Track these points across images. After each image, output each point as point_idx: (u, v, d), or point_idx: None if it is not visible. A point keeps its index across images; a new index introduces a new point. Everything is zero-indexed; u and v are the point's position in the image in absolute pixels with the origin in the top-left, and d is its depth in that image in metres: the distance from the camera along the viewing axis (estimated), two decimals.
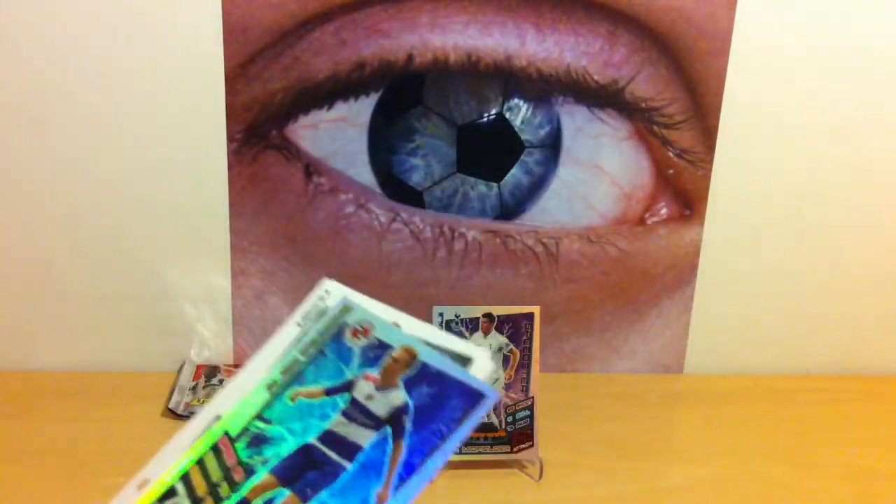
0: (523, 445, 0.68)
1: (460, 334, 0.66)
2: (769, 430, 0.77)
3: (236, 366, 0.80)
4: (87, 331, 0.81)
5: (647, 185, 0.79)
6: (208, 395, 0.75)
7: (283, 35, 0.72)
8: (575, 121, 0.77)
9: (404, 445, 0.32)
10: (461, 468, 0.68)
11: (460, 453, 0.67)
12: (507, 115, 0.77)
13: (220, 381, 0.78)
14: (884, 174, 0.82)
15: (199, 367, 0.80)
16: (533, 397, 0.68)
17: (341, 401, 0.34)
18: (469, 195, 0.79)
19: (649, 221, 0.80)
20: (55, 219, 0.77)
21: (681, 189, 0.80)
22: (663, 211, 0.80)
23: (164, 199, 0.77)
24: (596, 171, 0.78)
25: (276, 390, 0.34)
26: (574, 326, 0.83)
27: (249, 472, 0.33)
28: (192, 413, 0.73)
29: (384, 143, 0.77)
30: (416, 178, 0.78)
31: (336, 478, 0.32)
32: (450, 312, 0.66)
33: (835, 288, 0.86)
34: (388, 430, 0.33)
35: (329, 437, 0.33)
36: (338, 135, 0.76)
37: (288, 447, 0.32)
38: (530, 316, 0.67)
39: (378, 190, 0.77)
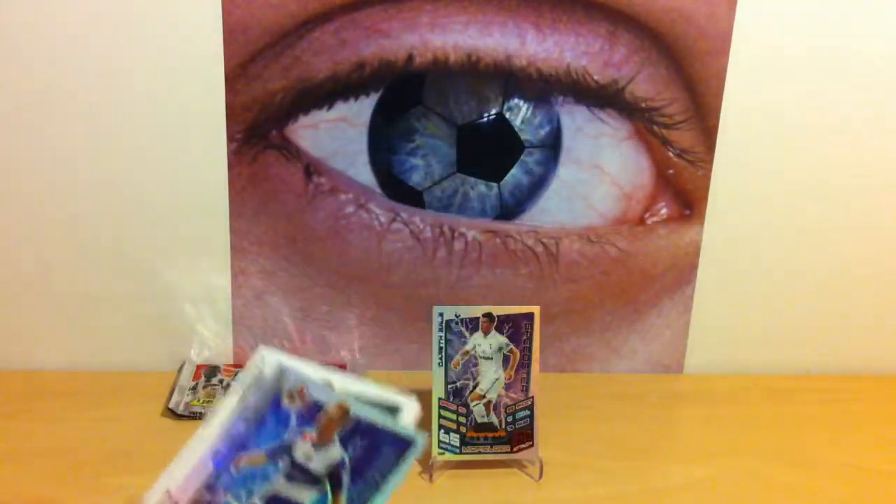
0: (523, 445, 0.68)
1: (460, 334, 0.67)
2: (769, 430, 0.77)
3: (236, 366, 0.80)
4: (87, 331, 0.81)
5: (647, 185, 0.79)
6: (208, 395, 0.75)
7: (283, 35, 0.72)
8: (575, 121, 0.77)
9: (344, 499, 0.35)
10: (461, 468, 0.68)
11: (460, 453, 0.67)
12: (507, 115, 0.77)
13: (220, 381, 0.78)
14: (884, 174, 0.82)
15: (199, 367, 0.80)
16: (533, 397, 0.68)
17: (282, 463, 0.36)
18: (469, 195, 0.79)
19: (649, 221, 0.80)
20: (55, 219, 0.77)
21: (681, 189, 0.80)
22: (663, 211, 0.80)
23: (164, 199, 0.77)
24: (596, 171, 0.78)
25: (220, 459, 0.36)
26: (574, 326, 0.83)
27: None
28: (192, 413, 0.73)
29: (384, 143, 0.77)
30: (416, 178, 0.78)
31: None
32: (450, 312, 0.67)
33: (835, 288, 0.86)
34: (328, 485, 0.35)
35: (274, 499, 0.35)
36: (338, 135, 0.76)
37: None
38: (530, 316, 0.67)
39: (378, 190, 0.77)
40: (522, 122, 0.77)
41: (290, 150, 0.75)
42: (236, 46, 0.72)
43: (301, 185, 0.76)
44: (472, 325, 0.67)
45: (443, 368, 0.67)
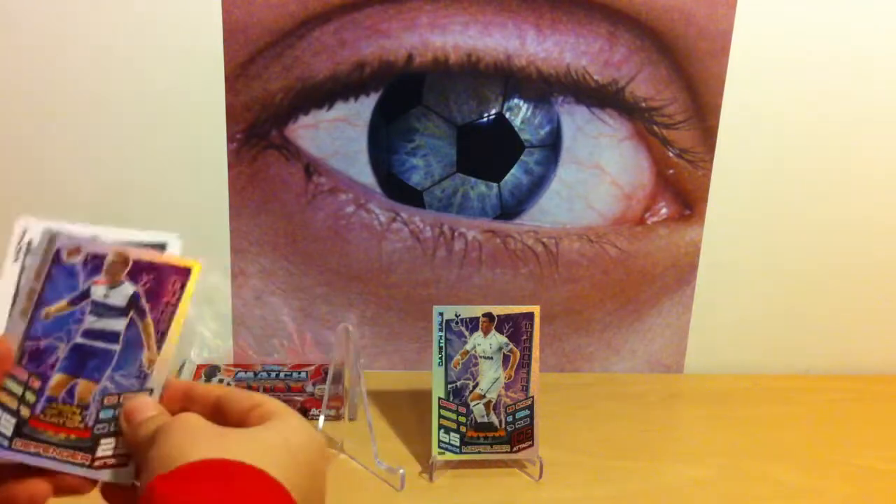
0: (523, 445, 0.68)
1: (460, 334, 0.67)
2: (769, 430, 0.77)
3: (237, 366, 0.80)
4: None
5: (647, 185, 0.79)
6: None
7: (283, 35, 0.72)
8: (575, 121, 0.77)
9: (150, 321, 0.43)
10: (461, 468, 0.68)
11: (460, 453, 0.67)
12: (507, 115, 0.77)
13: (221, 381, 0.78)
14: (884, 174, 0.82)
15: (199, 366, 0.80)
16: (533, 397, 0.68)
17: (86, 305, 0.42)
18: (469, 195, 0.79)
19: (649, 221, 0.80)
20: (55, 219, 0.77)
21: (681, 189, 0.80)
22: (663, 211, 0.80)
23: (164, 199, 0.77)
24: (596, 171, 0.78)
25: (29, 315, 0.42)
26: (574, 326, 0.83)
27: (44, 378, 0.42)
28: None
29: (384, 143, 0.77)
30: (416, 178, 0.78)
31: (111, 358, 0.42)
32: (450, 312, 0.66)
33: (835, 288, 0.86)
34: (132, 312, 0.43)
35: (90, 334, 0.42)
36: (338, 135, 0.76)
37: (63, 351, 0.42)
38: (530, 316, 0.67)
39: (378, 190, 0.77)
40: (522, 122, 0.77)
41: (290, 150, 0.75)
42: (236, 46, 0.72)
43: (301, 184, 0.76)
44: (472, 324, 0.67)
45: (443, 368, 0.67)
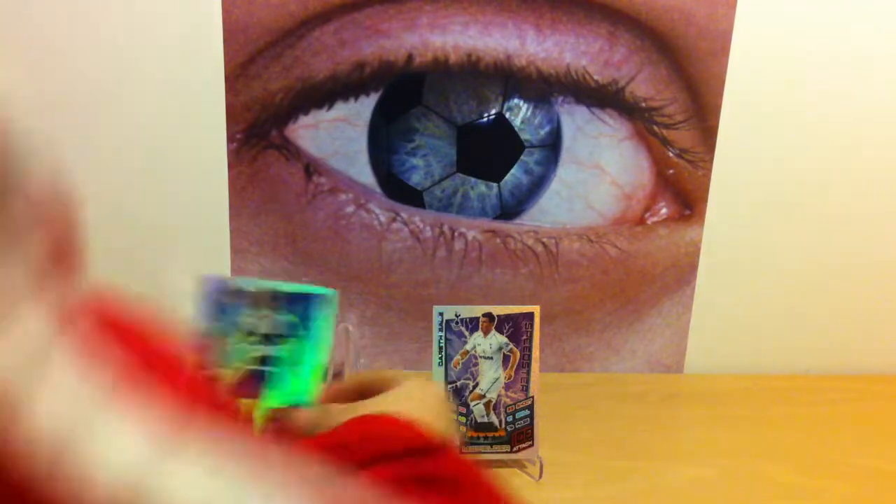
0: (523, 445, 0.68)
1: (460, 334, 0.66)
2: (769, 430, 0.77)
3: None
4: None
5: (647, 185, 0.79)
6: None
7: (283, 35, 0.72)
8: (575, 121, 0.77)
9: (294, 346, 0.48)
10: None
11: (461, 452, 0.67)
12: (507, 115, 0.77)
13: None
14: (884, 174, 0.82)
15: None
16: (533, 397, 0.68)
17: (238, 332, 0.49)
18: (469, 195, 0.79)
19: (649, 221, 0.80)
20: None
21: (681, 189, 0.80)
22: (663, 211, 0.80)
23: (164, 200, 0.77)
24: (596, 171, 0.78)
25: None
26: (574, 326, 0.83)
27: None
28: None
29: (384, 143, 0.77)
30: (416, 178, 0.78)
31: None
32: (450, 312, 0.66)
33: (835, 288, 0.86)
34: (279, 339, 0.49)
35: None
36: (338, 135, 0.76)
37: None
38: (530, 315, 0.67)
39: (378, 190, 0.77)
40: (522, 122, 0.77)
41: (290, 150, 0.75)
42: (236, 46, 0.72)
43: (301, 184, 0.76)
44: (472, 324, 0.67)
45: (443, 368, 0.67)
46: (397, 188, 0.78)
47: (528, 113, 0.77)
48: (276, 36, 0.72)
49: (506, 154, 0.78)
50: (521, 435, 0.68)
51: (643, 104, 0.76)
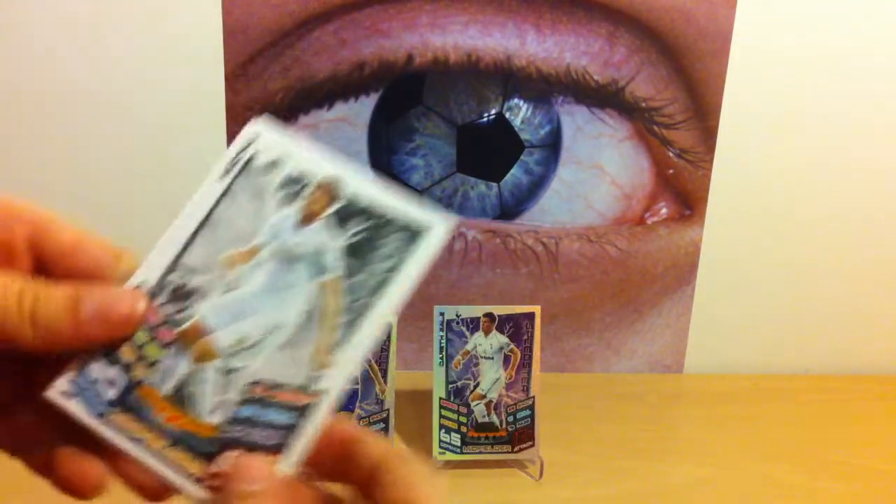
0: (524, 445, 0.68)
1: (461, 334, 0.66)
2: (769, 430, 0.77)
3: None
4: None
5: (647, 185, 0.79)
6: None
7: (283, 35, 0.72)
8: (575, 121, 0.77)
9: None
10: (461, 468, 0.68)
11: (461, 453, 0.67)
12: (507, 115, 0.77)
13: None
14: (884, 174, 0.82)
15: None
16: (534, 397, 0.67)
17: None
18: (469, 195, 0.79)
19: (649, 221, 0.80)
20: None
21: (681, 189, 0.80)
22: (663, 211, 0.80)
23: (164, 200, 0.77)
24: (596, 171, 0.78)
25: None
26: (574, 326, 0.83)
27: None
28: None
29: (384, 143, 0.77)
30: (416, 178, 0.78)
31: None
32: (451, 312, 0.66)
33: (835, 288, 0.86)
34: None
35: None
36: (338, 135, 0.76)
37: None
38: (531, 315, 0.67)
39: None
40: (522, 122, 0.77)
41: None
42: (236, 46, 0.72)
43: None
44: (473, 324, 0.66)
45: (444, 368, 0.67)
46: (397, 188, 0.77)
47: (528, 113, 0.77)
48: (276, 36, 0.72)
49: (506, 154, 0.78)
50: (521, 435, 0.68)
51: (643, 104, 0.76)
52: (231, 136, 0.75)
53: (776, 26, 0.76)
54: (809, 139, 0.80)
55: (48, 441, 0.30)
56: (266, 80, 0.73)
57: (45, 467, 0.31)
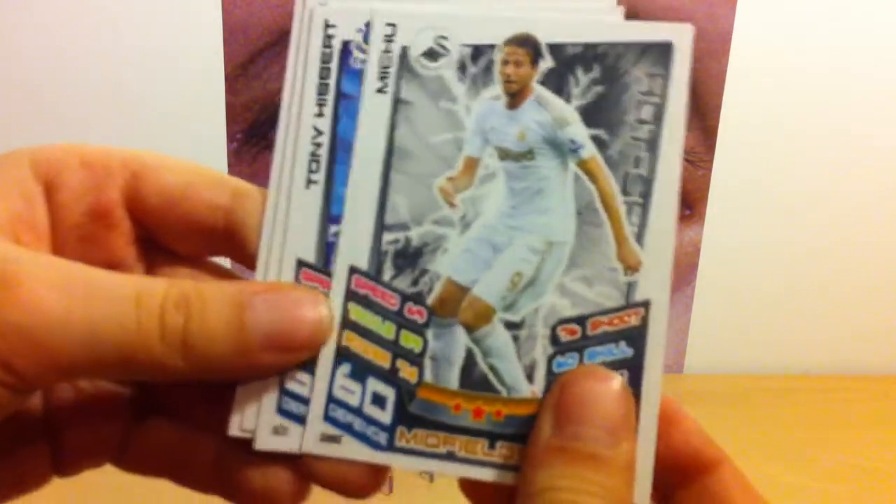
0: None
1: None
2: (769, 430, 0.77)
3: None
4: None
5: None
6: None
7: (283, 35, 0.72)
8: None
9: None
10: None
11: None
12: None
13: None
14: (883, 174, 0.82)
15: None
16: None
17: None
18: None
19: None
20: None
21: (681, 189, 0.80)
22: None
23: None
24: None
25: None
26: None
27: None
28: None
29: None
30: None
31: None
32: None
33: (834, 288, 0.86)
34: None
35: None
36: None
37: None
38: None
39: None
40: None
41: None
42: (236, 46, 0.72)
43: None
44: None
45: None
46: None
47: None
48: (276, 36, 0.72)
49: None
50: None
51: None
52: (231, 135, 0.75)
53: (776, 26, 0.76)
54: (809, 139, 0.80)
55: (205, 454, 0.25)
56: (266, 80, 0.73)
57: (215, 485, 0.26)
